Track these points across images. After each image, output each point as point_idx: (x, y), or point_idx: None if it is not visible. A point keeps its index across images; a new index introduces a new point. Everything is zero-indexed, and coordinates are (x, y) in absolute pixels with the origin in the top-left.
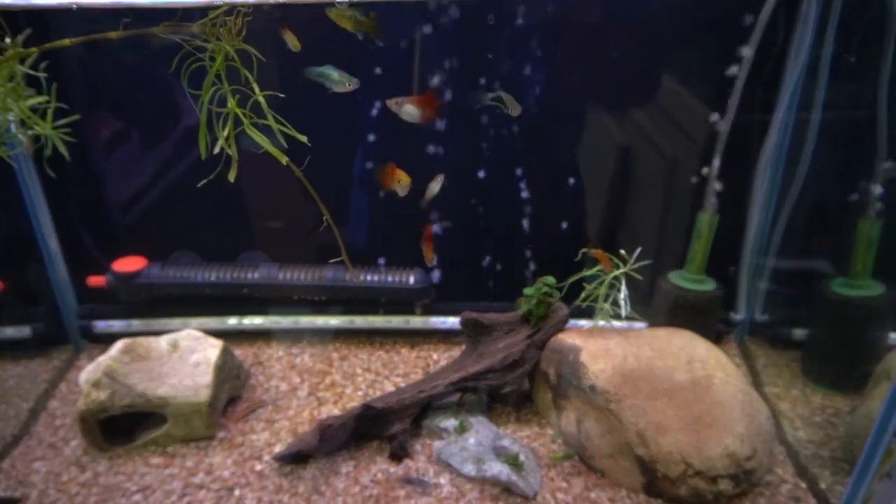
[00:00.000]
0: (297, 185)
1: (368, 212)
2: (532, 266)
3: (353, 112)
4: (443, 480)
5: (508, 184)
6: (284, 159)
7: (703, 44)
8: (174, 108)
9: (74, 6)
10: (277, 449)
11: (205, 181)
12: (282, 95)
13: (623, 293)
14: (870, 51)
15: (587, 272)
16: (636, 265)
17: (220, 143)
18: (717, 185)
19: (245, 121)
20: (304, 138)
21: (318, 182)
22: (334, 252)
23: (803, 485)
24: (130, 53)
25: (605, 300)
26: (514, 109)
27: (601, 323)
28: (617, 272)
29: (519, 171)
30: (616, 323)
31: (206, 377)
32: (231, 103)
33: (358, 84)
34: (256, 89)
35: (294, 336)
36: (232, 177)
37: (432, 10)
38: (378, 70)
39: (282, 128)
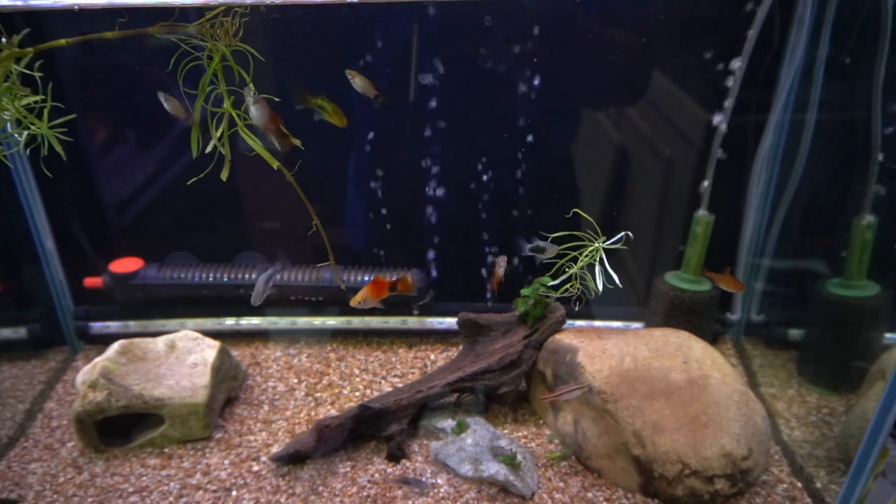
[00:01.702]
0: (293, 185)
1: (366, 212)
2: (529, 266)
3: (351, 113)
4: (440, 481)
5: (506, 185)
6: (275, 164)
7: (700, 44)
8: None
9: (76, 7)
10: (275, 449)
11: (193, 179)
12: (276, 99)
13: (598, 268)
14: (864, 52)
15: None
16: (616, 245)
17: (214, 142)
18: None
19: (239, 122)
20: (297, 142)
21: (317, 183)
22: (332, 253)
23: (799, 484)
24: (126, 53)
25: (580, 278)
26: (368, 92)
27: (573, 324)
28: (594, 246)
29: (517, 173)
30: (614, 323)
31: (203, 378)
32: (226, 104)
33: None
34: (253, 90)
35: (291, 337)
36: (224, 176)
37: (429, 13)
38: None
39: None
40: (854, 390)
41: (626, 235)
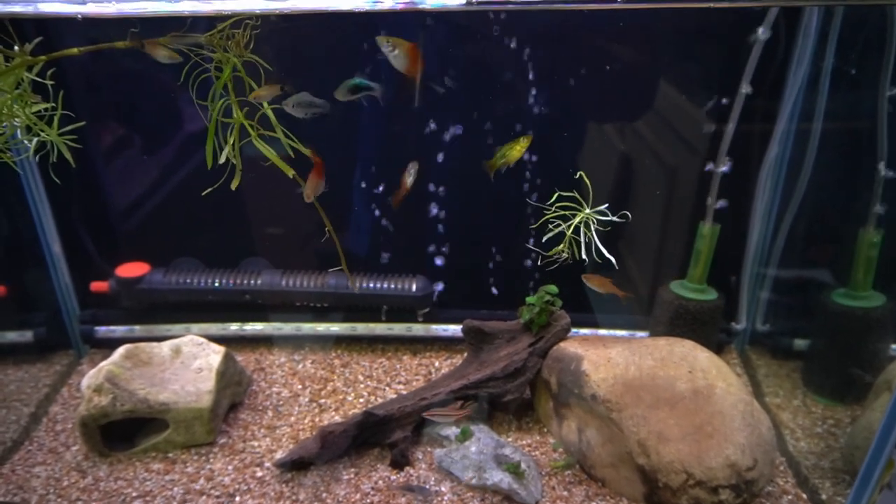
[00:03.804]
0: (299, 191)
1: (371, 219)
2: (534, 274)
3: (356, 120)
4: (444, 488)
5: (511, 192)
6: (291, 172)
7: (704, 55)
8: (178, 115)
9: (79, 16)
10: (278, 455)
11: (209, 190)
12: (288, 108)
13: (584, 236)
14: (870, 62)
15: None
16: (605, 217)
17: (227, 151)
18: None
19: (252, 132)
20: (308, 151)
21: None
22: (337, 259)
23: (804, 495)
24: (136, 61)
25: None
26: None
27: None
28: (582, 214)
29: (521, 179)
30: (619, 332)
31: (208, 383)
32: (237, 114)
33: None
34: (264, 101)
35: (296, 342)
36: (234, 186)
37: (434, 21)
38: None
39: (289, 142)
40: (860, 401)
41: (625, 215)
